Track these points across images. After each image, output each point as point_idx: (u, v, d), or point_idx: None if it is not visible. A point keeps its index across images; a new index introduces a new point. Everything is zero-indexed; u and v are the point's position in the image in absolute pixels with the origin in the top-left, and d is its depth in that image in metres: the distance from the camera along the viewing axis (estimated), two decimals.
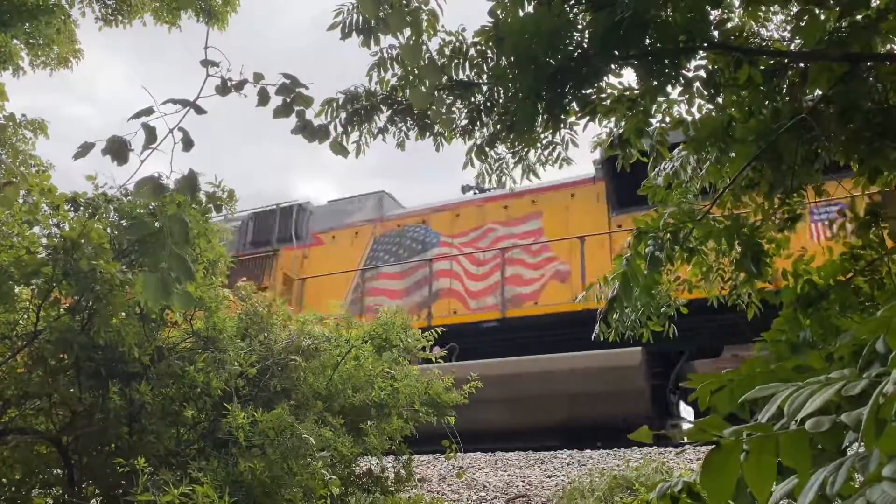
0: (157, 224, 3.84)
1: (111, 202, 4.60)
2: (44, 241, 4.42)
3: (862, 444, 1.19)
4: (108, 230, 4.51)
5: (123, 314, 4.51)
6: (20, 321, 4.70)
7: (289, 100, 2.64)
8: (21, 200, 4.53)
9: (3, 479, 4.71)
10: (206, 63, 2.45)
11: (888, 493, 0.95)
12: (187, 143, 2.34)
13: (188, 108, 2.33)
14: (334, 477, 4.66)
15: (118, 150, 2.30)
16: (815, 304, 3.83)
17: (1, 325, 4.57)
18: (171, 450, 4.66)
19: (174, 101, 2.31)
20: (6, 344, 4.62)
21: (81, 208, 4.54)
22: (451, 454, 6.52)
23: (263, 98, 2.63)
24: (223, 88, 2.51)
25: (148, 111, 2.26)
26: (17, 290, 4.45)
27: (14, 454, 4.74)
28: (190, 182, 2.38)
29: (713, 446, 1.33)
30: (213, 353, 4.97)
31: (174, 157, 2.27)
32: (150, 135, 2.30)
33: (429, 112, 4.23)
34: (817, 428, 1.18)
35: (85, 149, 2.34)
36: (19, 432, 4.64)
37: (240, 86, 2.55)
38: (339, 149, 2.89)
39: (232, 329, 5.26)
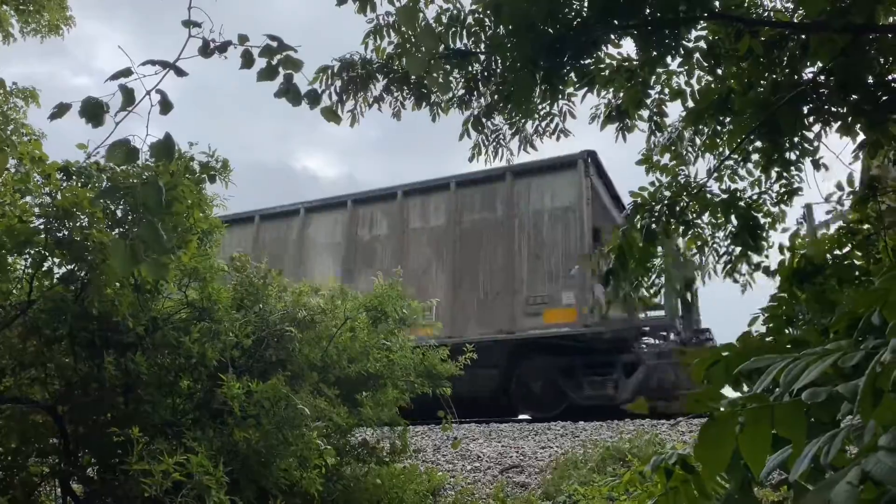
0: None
1: (104, 171, 4.55)
2: (36, 210, 4.38)
3: (857, 415, 1.18)
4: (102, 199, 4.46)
5: (117, 284, 4.49)
6: (14, 291, 4.67)
7: (273, 62, 2.56)
8: (13, 169, 4.48)
9: (0, 448, 4.73)
10: (187, 24, 2.38)
11: (884, 462, 0.94)
12: (165, 106, 2.27)
13: (167, 69, 2.25)
14: (329, 447, 4.68)
15: (93, 111, 2.23)
16: (811, 278, 3.83)
17: None
18: (166, 420, 4.67)
19: (153, 63, 2.23)
20: None
21: (74, 177, 4.49)
22: (447, 425, 6.56)
23: (248, 60, 2.54)
24: (205, 50, 2.43)
25: (126, 72, 2.19)
26: (10, 259, 4.41)
27: (10, 423, 4.75)
28: (165, 146, 2.30)
29: (709, 418, 1.32)
30: (209, 323, 4.95)
31: (168, 123, 2.22)
32: (128, 97, 2.23)
33: (424, 77, 4.16)
34: (814, 398, 1.18)
35: (61, 110, 2.28)
36: (15, 401, 4.65)
37: (223, 47, 2.46)
38: (330, 115, 2.83)
39: (227, 300, 5.25)
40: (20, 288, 4.65)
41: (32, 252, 4.34)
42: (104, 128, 2.28)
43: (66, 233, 4.29)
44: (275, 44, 2.54)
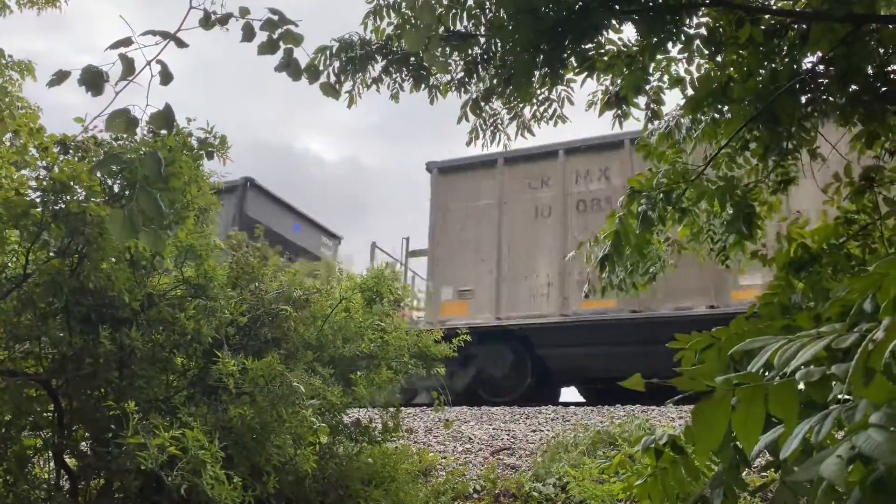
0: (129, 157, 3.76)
1: (101, 145, 4.53)
2: (33, 183, 4.37)
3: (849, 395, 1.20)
4: (99, 173, 4.45)
5: (114, 259, 4.48)
6: (9, 264, 4.66)
7: (275, 36, 2.54)
8: (9, 143, 4.46)
9: None
10: None
11: (873, 439, 0.96)
12: (165, 76, 2.26)
13: (168, 40, 2.24)
14: (323, 424, 4.71)
15: (93, 80, 2.22)
16: (807, 267, 3.85)
17: None
18: (160, 395, 4.69)
19: (154, 33, 2.22)
20: None
21: (71, 151, 4.47)
22: (439, 407, 6.61)
23: (248, 34, 2.52)
24: (206, 21, 2.41)
25: (126, 42, 2.17)
26: (5, 232, 4.40)
27: (4, 396, 4.75)
28: (165, 115, 2.28)
29: (702, 399, 1.34)
30: (204, 301, 4.96)
31: (166, 95, 2.21)
32: (128, 66, 2.22)
33: (422, 55, 4.14)
34: (808, 378, 1.20)
35: (60, 77, 2.26)
36: (9, 374, 4.64)
37: (224, 19, 2.44)
38: (329, 91, 2.82)
39: (222, 278, 5.25)
40: (16, 261, 4.64)
41: (29, 225, 4.33)
42: (102, 101, 2.27)
43: (63, 206, 4.28)
44: (276, 17, 2.52)
